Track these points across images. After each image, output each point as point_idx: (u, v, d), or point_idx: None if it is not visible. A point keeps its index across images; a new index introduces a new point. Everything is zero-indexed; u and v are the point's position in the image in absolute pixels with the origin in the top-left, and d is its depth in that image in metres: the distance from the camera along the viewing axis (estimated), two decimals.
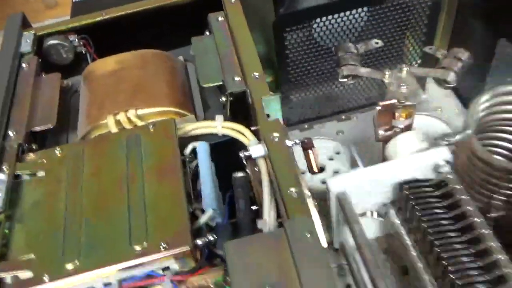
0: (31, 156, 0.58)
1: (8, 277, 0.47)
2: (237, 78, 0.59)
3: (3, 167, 0.55)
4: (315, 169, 0.61)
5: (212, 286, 0.49)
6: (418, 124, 0.85)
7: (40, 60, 0.71)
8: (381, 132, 0.61)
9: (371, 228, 0.56)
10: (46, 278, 0.46)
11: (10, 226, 0.51)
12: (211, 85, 0.61)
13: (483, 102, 0.54)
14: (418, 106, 0.87)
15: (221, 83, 0.61)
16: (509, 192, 0.51)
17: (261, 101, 0.55)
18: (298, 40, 0.77)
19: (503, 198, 0.52)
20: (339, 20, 0.76)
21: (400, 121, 0.61)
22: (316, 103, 0.87)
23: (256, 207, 0.55)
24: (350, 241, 0.51)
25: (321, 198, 0.56)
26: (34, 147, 0.61)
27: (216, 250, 0.53)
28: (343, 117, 0.89)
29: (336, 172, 0.82)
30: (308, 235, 0.43)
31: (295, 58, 0.79)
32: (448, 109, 0.87)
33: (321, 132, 0.88)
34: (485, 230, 0.44)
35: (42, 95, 0.65)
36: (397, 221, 0.51)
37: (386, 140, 0.61)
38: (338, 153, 0.85)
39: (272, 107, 0.85)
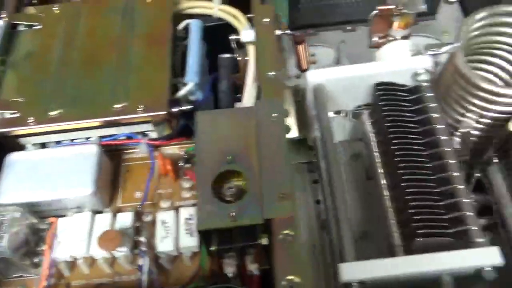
0: (30, 9, 0.59)
1: None
2: None
3: (2, 15, 0.57)
4: (304, 66, 0.63)
5: (184, 153, 0.53)
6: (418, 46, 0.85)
7: None
8: (375, 39, 0.61)
9: (344, 129, 0.58)
10: (31, 120, 0.49)
11: (3, 71, 0.54)
12: None
13: (478, 20, 0.53)
14: (425, 27, 0.87)
15: None
16: (481, 111, 0.52)
17: None
18: None
19: (474, 117, 0.53)
20: None
21: (397, 31, 0.60)
22: (324, 10, 0.86)
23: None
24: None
25: None
26: (35, 1, 0.62)
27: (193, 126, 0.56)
28: (349, 27, 0.87)
29: None
30: (275, 115, 0.45)
31: None
32: (453, 34, 0.85)
33: (324, 39, 0.88)
34: (444, 137, 0.46)
35: None
36: (368, 123, 0.53)
37: (379, 47, 0.62)
38: (337, 62, 0.85)
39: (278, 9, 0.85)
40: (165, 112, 0.49)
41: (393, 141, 0.46)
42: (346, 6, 0.85)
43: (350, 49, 0.85)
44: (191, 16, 0.60)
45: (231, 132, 0.46)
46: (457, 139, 0.55)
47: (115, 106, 0.50)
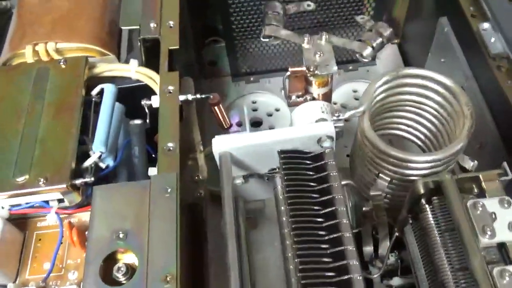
0: None
1: None
2: (152, 24, 0.59)
3: None
4: (225, 125, 0.63)
5: None
6: (360, 91, 0.86)
7: None
8: (293, 98, 0.61)
9: (261, 189, 0.58)
10: None
11: None
12: (129, 27, 0.61)
13: (382, 83, 0.53)
14: (366, 73, 0.88)
15: (138, 26, 0.60)
16: (392, 174, 0.52)
17: (167, 52, 0.55)
18: None
19: (387, 178, 0.53)
20: None
21: (314, 89, 0.61)
22: (265, 57, 0.86)
23: None
24: None
25: None
26: None
27: None
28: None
29: (271, 128, 0.83)
30: (169, 190, 0.45)
31: (241, 7, 0.77)
32: None
33: (266, 86, 0.88)
34: (342, 207, 0.45)
35: None
36: (279, 187, 0.53)
37: (298, 105, 0.62)
38: (277, 110, 0.86)
39: (219, 56, 0.86)
40: (65, 186, 0.48)
41: (291, 213, 0.45)
42: (286, 53, 0.86)
43: None
44: (111, 78, 0.60)
45: (126, 208, 0.45)
46: (371, 201, 0.55)
47: (17, 179, 0.49)
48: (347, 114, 0.51)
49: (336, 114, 0.51)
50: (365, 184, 0.58)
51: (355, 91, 0.87)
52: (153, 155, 0.61)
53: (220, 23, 0.82)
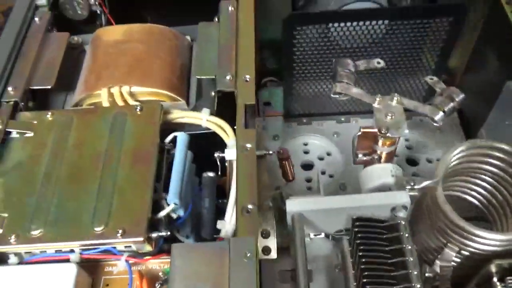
0: (25, 114, 0.61)
1: None
2: (228, 77, 0.60)
3: None
4: (290, 178, 0.63)
5: (161, 273, 0.53)
6: (412, 140, 0.86)
7: (55, 13, 0.73)
8: (360, 156, 0.62)
9: (325, 246, 0.58)
10: (12, 239, 0.50)
11: None
12: (204, 77, 0.62)
13: (458, 152, 0.54)
14: (420, 124, 0.87)
15: (213, 77, 0.62)
16: (461, 246, 0.52)
17: (243, 108, 0.56)
18: (311, 36, 0.76)
19: (456, 248, 0.53)
20: (357, 28, 0.74)
21: (379, 147, 0.61)
22: (319, 100, 0.87)
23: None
24: None
25: None
26: (30, 105, 0.64)
27: (179, 236, 0.57)
28: (343, 119, 0.88)
29: (322, 173, 0.84)
30: (248, 254, 0.45)
31: (305, 53, 0.78)
32: (448, 132, 0.85)
33: (319, 130, 0.89)
34: (418, 284, 0.46)
35: (47, 53, 0.68)
36: (347, 250, 0.53)
37: (364, 164, 0.62)
38: (329, 154, 0.86)
39: (273, 96, 0.87)
40: (142, 239, 0.49)
41: (366, 286, 0.46)
42: None
43: (343, 142, 0.86)
44: (181, 124, 0.62)
45: (205, 269, 0.46)
46: (437, 269, 0.55)
47: (96, 229, 0.50)
48: (422, 184, 0.51)
49: (411, 183, 0.51)
50: (428, 249, 0.58)
51: (407, 140, 0.87)
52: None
53: (278, 65, 0.83)
